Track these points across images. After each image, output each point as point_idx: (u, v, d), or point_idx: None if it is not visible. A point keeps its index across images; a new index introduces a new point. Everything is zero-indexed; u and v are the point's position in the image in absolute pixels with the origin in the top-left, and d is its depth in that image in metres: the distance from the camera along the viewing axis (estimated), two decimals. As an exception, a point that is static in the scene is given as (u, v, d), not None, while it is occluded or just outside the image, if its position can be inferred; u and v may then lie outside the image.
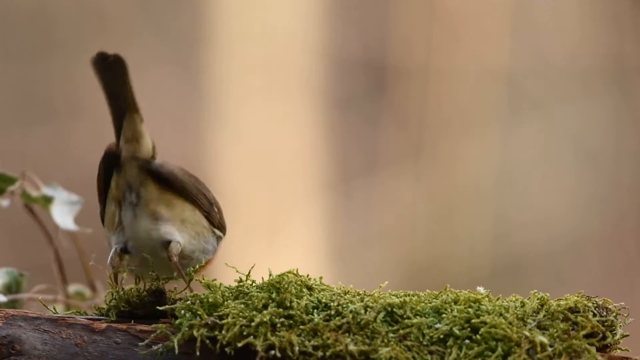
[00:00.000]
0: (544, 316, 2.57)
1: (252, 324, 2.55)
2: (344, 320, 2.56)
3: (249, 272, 2.65)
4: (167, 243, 2.65)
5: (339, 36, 6.65)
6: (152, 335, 2.60)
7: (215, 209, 2.73)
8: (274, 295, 2.58)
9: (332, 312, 2.57)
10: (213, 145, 6.59)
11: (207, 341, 2.56)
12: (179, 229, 2.65)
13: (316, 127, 6.59)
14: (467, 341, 2.54)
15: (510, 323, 2.55)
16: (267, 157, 6.44)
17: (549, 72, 6.71)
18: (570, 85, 6.74)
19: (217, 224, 2.73)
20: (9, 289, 3.21)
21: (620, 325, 2.60)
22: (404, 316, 2.57)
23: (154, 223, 2.63)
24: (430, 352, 2.54)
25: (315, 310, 2.58)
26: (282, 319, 2.55)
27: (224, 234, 2.76)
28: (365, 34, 6.72)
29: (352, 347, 2.53)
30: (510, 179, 6.72)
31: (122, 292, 2.66)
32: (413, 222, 6.63)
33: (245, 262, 2.78)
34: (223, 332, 2.55)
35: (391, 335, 2.55)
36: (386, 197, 6.62)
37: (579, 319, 2.57)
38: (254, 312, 2.56)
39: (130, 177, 2.65)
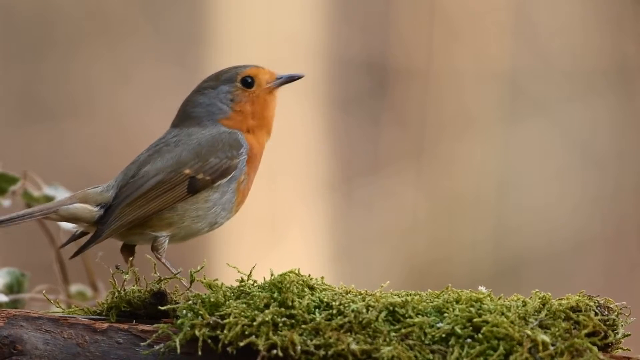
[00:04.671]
0: (546, 315, 2.57)
1: (254, 323, 2.55)
2: (346, 319, 2.56)
3: (251, 272, 2.66)
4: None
5: (340, 37, 6.65)
6: (154, 335, 2.60)
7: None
8: (275, 295, 2.59)
9: (334, 312, 2.57)
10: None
11: (209, 341, 2.56)
12: None
13: (318, 128, 6.59)
14: (469, 340, 2.54)
15: (512, 322, 2.55)
16: (269, 157, 6.43)
17: (550, 72, 6.71)
18: (572, 86, 6.73)
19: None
20: (10, 289, 3.21)
21: (622, 325, 2.60)
22: (406, 315, 2.57)
23: None
24: (432, 351, 2.54)
25: (317, 310, 2.58)
26: (284, 319, 2.56)
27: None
28: (367, 35, 6.72)
29: (354, 346, 2.53)
30: (512, 179, 6.72)
31: (123, 293, 2.66)
32: (414, 221, 6.63)
33: (246, 262, 2.78)
34: (225, 331, 2.55)
35: (393, 334, 2.55)
36: (387, 197, 6.63)
37: (581, 318, 2.57)
38: (256, 312, 2.56)
39: None
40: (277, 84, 2.98)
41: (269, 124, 2.98)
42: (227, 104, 2.93)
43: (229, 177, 2.86)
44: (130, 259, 2.87)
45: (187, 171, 2.83)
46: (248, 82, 2.95)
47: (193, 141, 2.87)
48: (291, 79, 2.99)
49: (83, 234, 2.90)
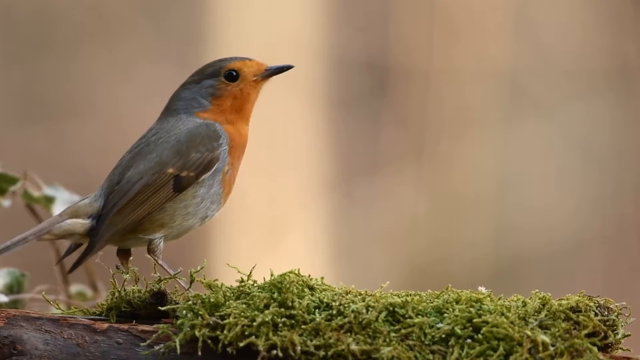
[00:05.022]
0: (546, 315, 2.57)
1: (254, 323, 2.55)
2: (346, 319, 2.56)
3: (251, 272, 2.65)
4: None
5: (340, 37, 6.65)
6: (154, 335, 2.60)
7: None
8: (275, 295, 2.58)
9: (334, 312, 2.57)
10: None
11: (209, 341, 2.56)
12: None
13: (318, 127, 6.59)
14: (468, 340, 2.54)
15: (512, 322, 2.55)
16: (269, 156, 6.44)
17: (550, 72, 6.71)
18: (572, 86, 6.73)
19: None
20: (10, 289, 3.21)
21: (622, 325, 2.60)
22: (406, 316, 2.57)
23: None
24: (432, 352, 2.54)
25: (317, 310, 2.58)
26: (283, 319, 2.55)
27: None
28: (367, 35, 6.72)
29: (354, 347, 2.53)
30: (512, 179, 6.72)
31: (123, 293, 2.66)
32: (414, 221, 6.63)
33: (246, 262, 2.78)
34: (225, 332, 2.55)
35: (393, 334, 2.55)
36: (387, 197, 6.62)
37: (581, 318, 2.57)
38: (256, 312, 2.56)
39: None
40: (264, 75, 2.96)
41: (247, 116, 2.95)
42: (207, 98, 2.92)
43: (213, 169, 2.84)
44: (130, 258, 2.86)
45: (170, 170, 2.82)
46: (232, 76, 2.94)
47: (172, 138, 2.85)
48: (280, 70, 2.96)
49: (78, 245, 2.90)
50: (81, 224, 2.81)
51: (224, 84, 2.93)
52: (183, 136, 2.85)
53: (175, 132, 2.86)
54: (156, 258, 2.82)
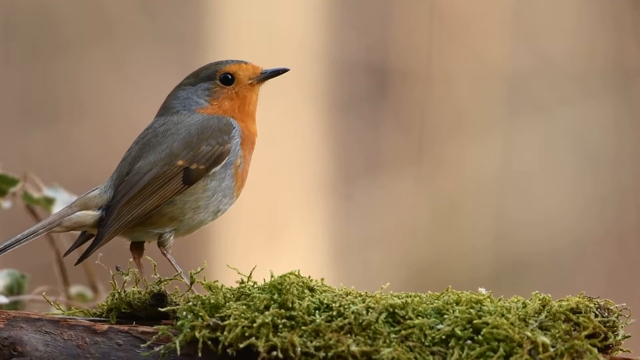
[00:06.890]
0: (546, 317, 2.57)
1: (254, 325, 2.55)
2: (346, 321, 2.56)
3: (251, 274, 2.65)
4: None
5: (340, 38, 6.65)
6: (154, 336, 2.60)
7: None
8: (275, 297, 2.58)
9: (334, 313, 2.57)
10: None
11: (209, 342, 2.56)
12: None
13: (317, 129, 6.59)
14: (469, 342, 2.54)
15: (512, 324, 2.55)
16: (269, 158, 6.44)
17: (549, 73, 6.71)
18: (571, 86, 6.74)
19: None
20: (10, 291, 3.21)
21: (622, 326, 2.60)
22: (406, 317, 2.57)
23: None
24: (432, 353, 2.54)
25: (317, 311, 2.58)
26: (284, 320, 2.55)
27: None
28: (367, 36, 6.72)
29: (354, 348, 2.53)
30: (511, 180, 6.72)
31: (123, 294, 2.66)
32: (414, 223, 6.63)
33: (246, 264, 2.78)
34: (225, 333, 2.55)
35: (393, 336, 2.55)
36: (387, 199, 6.63)
37: (581, 319, 2.57)
38: (256, 313, 2.56)
39: None
40: (260, 78, 2.95)
41: (251, 115, 2.94)
42: (204, 98, 2.92)
43: (224, 162, 2.83)
44: (140, 258, 2.86)
45: (180, 162, 2.81)
46: (228, 79, 2.93)
47: (182, 130, 2.85)
48: (275, 73, 2.96)
49: (86, 238, 2.89)
50: (91, 215, 2.80)
51: (220, 87, 2.92)
52: (194, 128, 2.84)
53: (185, 124, 2.86)
54: (164, 252, 2.81)
